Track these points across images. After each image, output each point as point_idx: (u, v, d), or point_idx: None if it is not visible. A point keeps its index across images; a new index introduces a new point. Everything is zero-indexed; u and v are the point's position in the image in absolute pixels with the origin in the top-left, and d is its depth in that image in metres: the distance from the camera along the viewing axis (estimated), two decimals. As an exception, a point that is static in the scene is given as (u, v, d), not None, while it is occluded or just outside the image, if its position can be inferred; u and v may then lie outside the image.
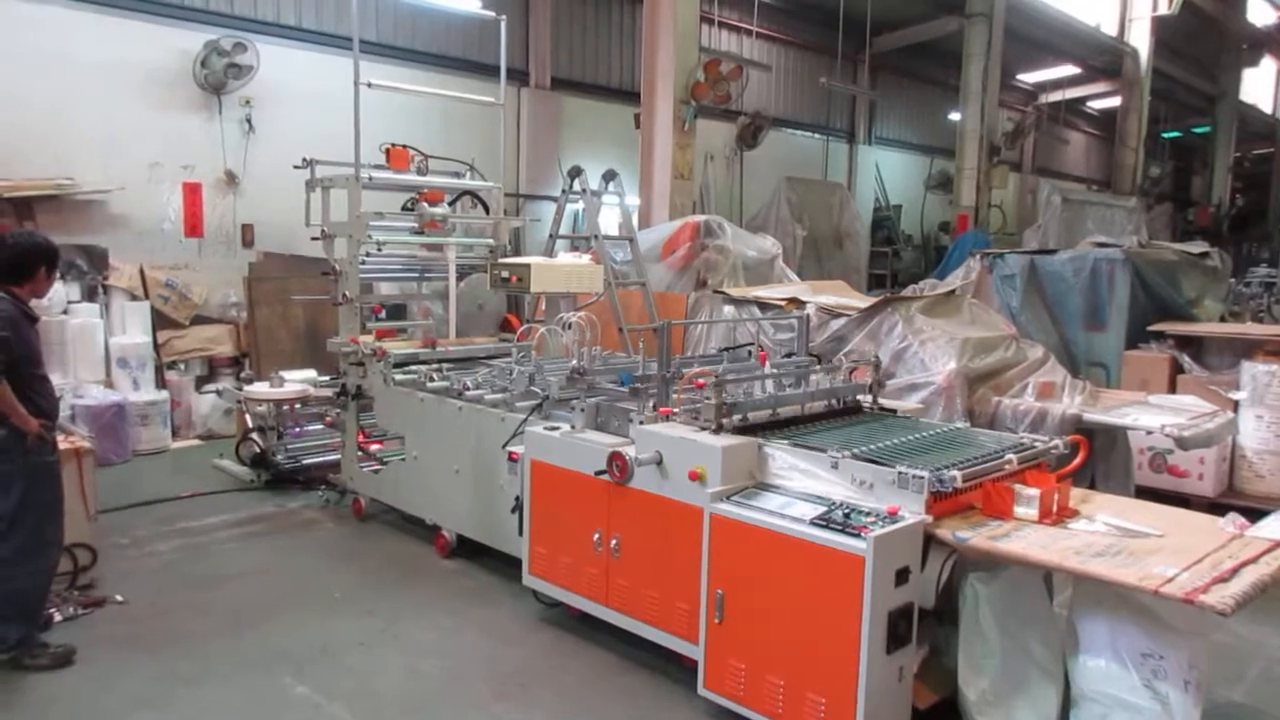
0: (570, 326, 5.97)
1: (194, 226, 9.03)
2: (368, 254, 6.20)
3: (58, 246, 4.31)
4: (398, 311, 7.52)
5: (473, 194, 7.05)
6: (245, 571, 5.37)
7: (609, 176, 7.53)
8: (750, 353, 5.24)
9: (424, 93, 7.94)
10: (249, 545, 5.83)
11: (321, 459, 7.06)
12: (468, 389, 5.37)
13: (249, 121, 9.26)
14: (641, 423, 4.14)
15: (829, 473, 3.65)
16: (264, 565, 5.48)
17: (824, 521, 3.37)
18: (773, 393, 4.40)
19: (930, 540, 3.40)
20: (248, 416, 7.17)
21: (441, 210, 6.30)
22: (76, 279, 8.07)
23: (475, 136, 9.62)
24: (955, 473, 3.41)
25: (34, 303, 4.21)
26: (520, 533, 4.70)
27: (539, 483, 4.53)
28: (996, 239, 14.66)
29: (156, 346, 8.47)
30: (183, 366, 8.79)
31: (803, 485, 3.70)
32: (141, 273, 8.58)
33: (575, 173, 7.29)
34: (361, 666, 4.25)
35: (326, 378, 7.08)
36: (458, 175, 7.12)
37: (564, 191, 7.49)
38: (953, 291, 6.91)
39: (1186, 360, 7.23)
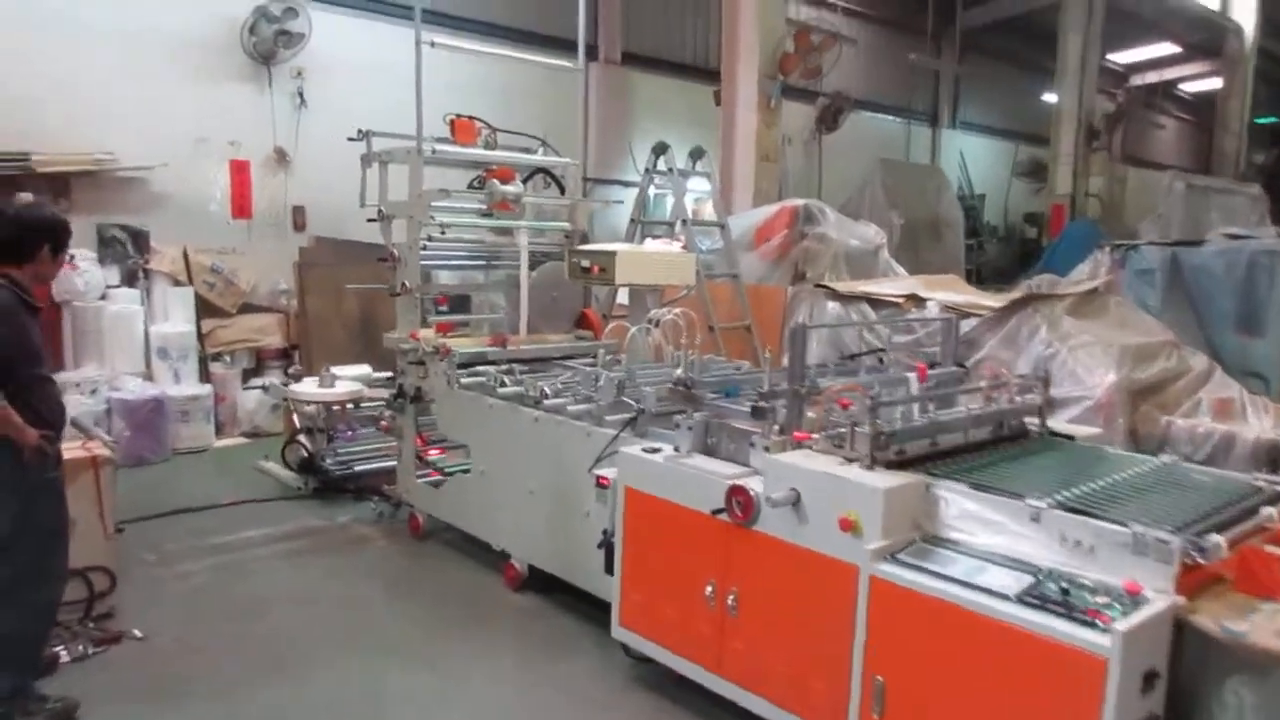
0: (659, 324, 5.19)
1: (242, 207, 8.39)
2: (429, 238, 5.46)
3: (67, 221, 3.61)
4: (461, 304, 6.78)
5: (547, 172, 6.26)
6: (289, 598, 4.71)
7: (696, 154, 6.71)
8: (882, 359, 4.39)
9: (493, 55, 7.10)
10: (293, 565, 5.17)
11: (375, 466, 6.35)
12: (546, 396, 4.59)
13: (301, 95, 8.58)
14: (768, 449, 3.33)
15: (1025, 526, 2.80)
16: (310, 592, 4.81)
17: (1037, 599, 2.52)
18: (928, 416, 3.51)
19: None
20: (295, 417, 6.50)
21: (515, 189, 5.50)
22: (116, 262, 7.51)
23: (540, 114, 8.78)
24: (1219, 539, 2.54)
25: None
26: (609, 571, 3.91)
27: (635, 516, 3.74)
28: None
29: (200, 336, 7.88)
30: (228, 358, 8.20)
31: (988, 541, 2.86)
32: (185, 256, 7.97)
33: (660, 150, 6.48)
34: (421, 735, 3.52)
35: (383, 374, 6.37)
36: (528, 152, 6.34)
37: (646, 170, 6.68)
38: (1096, 289, 5.98)
39: (1371, 372, 6.21)
